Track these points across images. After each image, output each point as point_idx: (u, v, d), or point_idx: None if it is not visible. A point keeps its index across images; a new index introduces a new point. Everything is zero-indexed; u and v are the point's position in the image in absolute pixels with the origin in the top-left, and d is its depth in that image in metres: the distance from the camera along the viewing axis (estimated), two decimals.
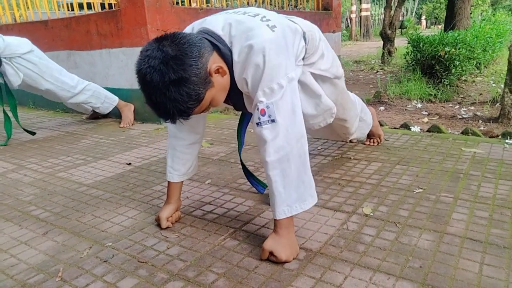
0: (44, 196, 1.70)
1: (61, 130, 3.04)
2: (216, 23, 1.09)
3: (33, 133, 2.81)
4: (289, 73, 1.06)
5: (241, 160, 1.55)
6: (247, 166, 1.58)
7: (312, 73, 1.26)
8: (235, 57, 1.06)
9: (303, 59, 1.20)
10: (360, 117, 1.86)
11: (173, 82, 0.94)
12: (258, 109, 1.04)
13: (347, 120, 1.68)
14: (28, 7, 4.12)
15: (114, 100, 3.10)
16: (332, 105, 1.34)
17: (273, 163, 1.05)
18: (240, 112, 1.47)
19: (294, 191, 1.07)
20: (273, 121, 1.03)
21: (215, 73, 1.02)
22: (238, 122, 1.51)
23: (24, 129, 2.78)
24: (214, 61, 1.03)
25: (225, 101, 1.25)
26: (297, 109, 1.07)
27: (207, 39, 1.05)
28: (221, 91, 1.08)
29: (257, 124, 1.05)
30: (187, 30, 1.18)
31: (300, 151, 1.07)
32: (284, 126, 1.03)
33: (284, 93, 1.04)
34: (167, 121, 1.04)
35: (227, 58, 1.07)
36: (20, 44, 2.62)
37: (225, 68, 1.06)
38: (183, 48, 0.96)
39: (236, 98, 1.18)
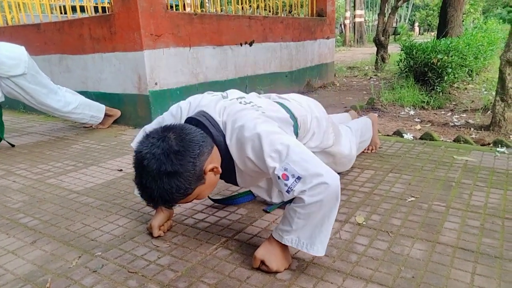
0: (33, 203, 1.67)
1: (51, 135, 3.00)
2: (214, 108, 1.14)
3: (13, 145, 2.69)
4: (285, 134, 1.09)
5: (213, 200, 1.53)
6: (221, 197, 1.58)
7: None
8: (228, 141, 1.10)
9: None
10: (361, 141, 1.92)
11: (167, 173, 0.96)
12: (279, 178, 1.00)
13: (338, 168, 1.72)
14: (20, 10, 4.09)
15: (99, 117, 3.06)
16: None
17: (304, 205, 0.99)
18: None
19: (310, 229, 1.03)
20: (299, 178, 0.98)
21: (209, 171, 1.04)
22: None
23: (4, 139, 2.67)
24: (211, 161, 1.05)
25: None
26: (311, 157, 1.03)
27: (205, 124, 1.10)
28: (209, 187, 1.09)
29: (288, 191, 0.99)
30: (184, 105, 1.24)
31: (333, 200, 1.01)
32: (313, 175, 0.98)
33: (292, 149, 1.01)
34: (148, 204, 1.06)
35: (220, 144, 1.10)
36: (14, 66, 2.48)
37: (219, 168, 1.08)
38: (187, 146, 0.99)
39: (228, 175, 1.20)
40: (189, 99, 1.26)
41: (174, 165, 0.95)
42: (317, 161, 1.03)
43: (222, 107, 1.15)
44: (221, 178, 1.22)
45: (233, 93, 1.27)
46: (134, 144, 1.33)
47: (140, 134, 1.34)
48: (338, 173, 1.81)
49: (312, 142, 1.38)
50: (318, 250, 1.04)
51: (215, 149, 1.09)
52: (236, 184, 1.26)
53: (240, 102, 1.19)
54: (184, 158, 0.97)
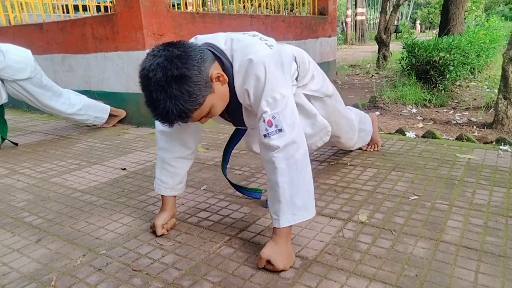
0: (37, 202, 1.68)
1: (55, 134, 3.01)
2: (218, 39, 1.14)
3: (16, 144, 2.71)
4: (288, 87, 1.10)
5: (226, 176, 1.53)
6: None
7: (304, 94, 1.31)
8: (236, 67, 1.09)
9: (296, 79, 1.24)
10: (360, 128, 1.89)
11: (175, 78, 0.95)
12: (264, 120, 1.05)
13: (341, 137, 1.72)
14: (22, 9, 4.09)
15: (104, 118, 3.06)
16: (326, 124, 1.36)
17: (283, 170, 1.05)
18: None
19: (300, 199, 1.08)
20: (280, 130, 1.04)
21: (216, 80, 1.05)
22: (229, 137, 1.50)
23: (7, 139, 2.69)
24: (215, 69, 1.05)
25: (224, 117, 1.27)
26: (297, 120, 1.10)
27: (210, 51, 1.09)
28: (220, 99, 1.09)
29: (265, 136, 1.06)
30: (191, 40, 1.21)
31: (306, 160, 1.09)
32: (292, 134, 1.05)
33: (288, 103, 1.07)
34: (164, 124, 1.04)
35: (228, 71, 1.09)
36: (20, 69, 2.49)
37: (226, 77, 1.08)
38: (188, 51, 0.99)
39: (235, 113, 1.20)
40: (195, 36, 1.25)
41: (180, 69, 0.96)
42: (299, 123, 1.09)
43: (228, 38, 1.13)
44: (228, 116, 1.24)
45: (238, 32, 1.26)
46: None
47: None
48: (343, 150, 1.80)
49: (312, 84, 1.34)
50: (312, 212, 1.12)
51: (217, 63, 1.08)
52: (244, 124, 1.26)
53: (245, 33, 1.19)
54: (188, 61, 0.97)
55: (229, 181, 1.56)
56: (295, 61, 1.23)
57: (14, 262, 1.21)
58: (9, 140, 2.69)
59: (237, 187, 1.59)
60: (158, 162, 1.35)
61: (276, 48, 1.13)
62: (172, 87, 0.96)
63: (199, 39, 1.19)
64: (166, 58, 0.96)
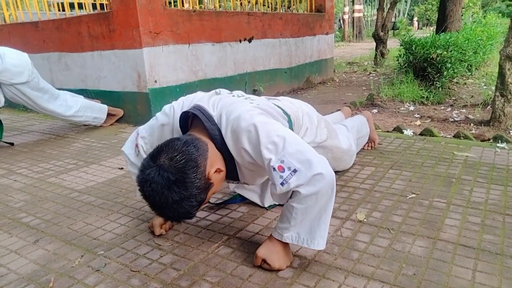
0: (35, 202, 1.67)
1: (52, 133, 3.00)
2: (208, 102, 1.16)
3: (12, 143, 2.70)
4: (282, 127, 1.09)
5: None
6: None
7: None
8: (223, 131, 1.09)
9: None
10: (358, 138, 1.93)
11: (176, 202, 0.98)
12: (274, 169, 1.00)
13: (339, 165, 1.77)
14: (18, 7, 4.06)
15: (102, 118, 3.05)
16: None
17: (302, 197, 1.00)
18: None
19: (309, 223, 1.05)
20: (295, 171, 0.99)
21: (213, 174, 1.05)
22: None
23: (2, 140, 2.68)
24: (211, 164, 1.05)
25: None
26: (310, 151, 1.03)
27: (198, 116, 1.10)
28: (219, 183, 1.12)
29: (282, 184, 1.00)
30: (177, 104, 1.23)
31: (329, 189, 1.02)
32: (311, 169, 0.98)
33: (291, 141, 1.03)
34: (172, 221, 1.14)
35: (216, 138, 1.09)
36: (18, 73, 2.47)
37: (223, 167, 1.10)
38: (182, 169, 0.98)
39: (229, 170, 1.18)
40: (181, 98, 1.27)
41: (179, 194, 0.97)
42: (313, 152, 1.03)
43: (215, 101, 1.16)
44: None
45: (225, 91, 1.28)
46: (126, 149, 1.35)
47: (132, 136, 1.34)
48: (339, 171, 1.83)
49: (306, 137, 1.38)
50: (318, 244, 1.05)
51: (211, 148, 1.08)
52: (238, 180, 1.25)
53: (233, 96, 1.21)
54: (185, 183, 0.97)
55: (211, 203, 1.54)
56: (290, 119, 1.26)
57: (11, 264, 1.20)
58: (4, 141, 2.68)
59: (218, 204, 1.55)
60: (133, 177, 1.32)
61: (261, 106, 1.15)
62: (173, 207, 0.98)
63: (186, 103, 1.21)
64: (164, 186, 0.96)
